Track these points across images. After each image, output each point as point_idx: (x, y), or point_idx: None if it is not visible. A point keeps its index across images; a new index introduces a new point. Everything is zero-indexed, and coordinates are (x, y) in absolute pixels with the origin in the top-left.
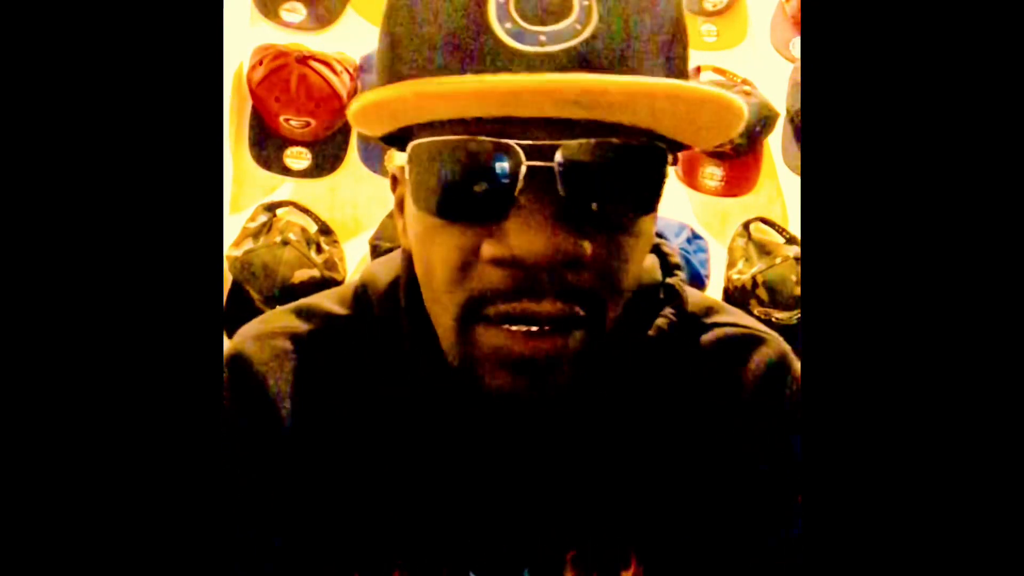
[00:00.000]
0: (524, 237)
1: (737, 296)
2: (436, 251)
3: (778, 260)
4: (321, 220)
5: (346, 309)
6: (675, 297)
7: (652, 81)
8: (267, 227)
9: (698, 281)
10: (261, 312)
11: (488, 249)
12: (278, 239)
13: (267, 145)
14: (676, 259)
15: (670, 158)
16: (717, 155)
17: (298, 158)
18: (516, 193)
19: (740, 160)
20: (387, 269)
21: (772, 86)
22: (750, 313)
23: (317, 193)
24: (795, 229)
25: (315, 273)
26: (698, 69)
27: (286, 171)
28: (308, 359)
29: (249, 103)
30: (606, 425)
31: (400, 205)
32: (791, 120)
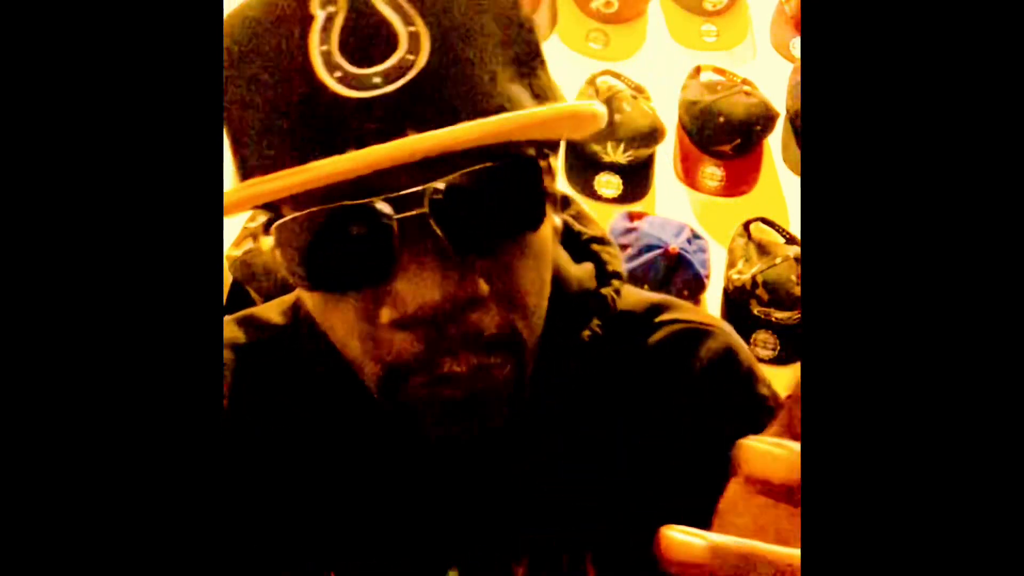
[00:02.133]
0: (415, 291)
1: (737, 296)
2: (337, 326)
3: (778, 260)
4: None
5: (284, 319)
6: (603, 308)
7: (493, 120)
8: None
9: (698, 281)
10: None
11: (386, 313)
12: None
13: None
14: (615, 266)
15: (544, 163)
16: (717, 155)
17: None
18: (395, 249)
19: (740, 160)
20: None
21: (772, 86)
22: (750, 313)
23: None
24: (795, 229)
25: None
26: (698, 69)
27: None
28: (246, 370)
29: None
30: (549, 438)
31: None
32: (791, 120)
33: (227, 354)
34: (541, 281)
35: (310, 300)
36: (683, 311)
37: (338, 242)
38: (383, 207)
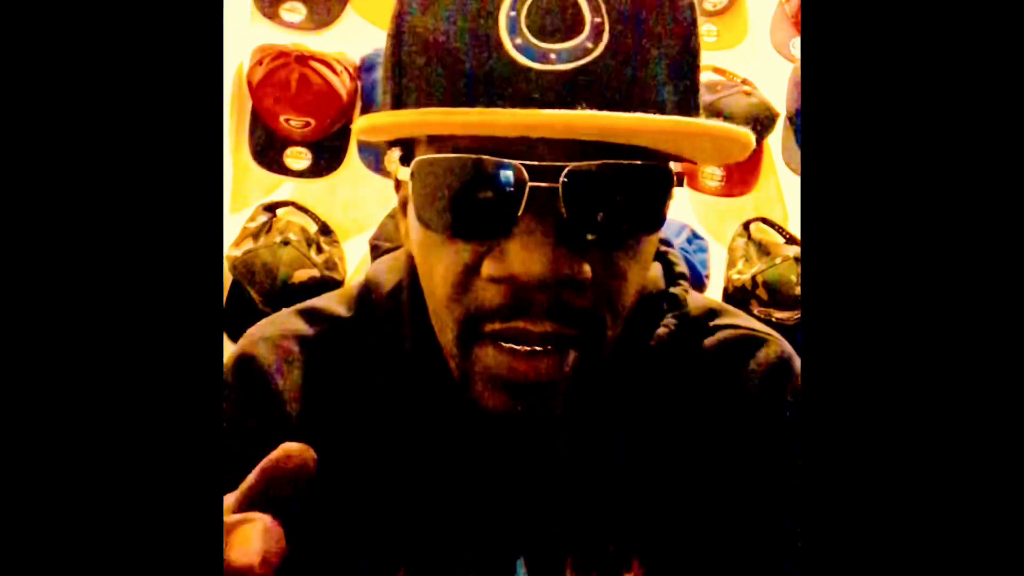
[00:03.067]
0: (524, 257)
1: (737, 296)
2: (437, 266)
3: (778, 260)
4: (321, 220)
5: (350, 311)
6: (677, 306)
7: (655, 118)
8: (267, 227)
9: (698, 281)
10: (261, 312)
11: (488, 267)
12: (278, 239)
13: (267, 145)
14: (681, 267)
15: (676, 178)
16: None
17: (298, 158)
18: (519, 213)
19: (740, 160)
20: (391, 271)
21: (772, 86)
22: (750, 313)
23: (317, 193)
24: (795, 229)
25: (315, 273)
26: None
27: (286, 171)
28: (315, 361)
29: (249, 103)
30: (608, 433)
31: (404, 207)
32: (791, 120)
33: (293, 345)
34: (640, 284)
35: (420, 235)
36: (738, 317)
37: (470, 190)
38: (521, 170)
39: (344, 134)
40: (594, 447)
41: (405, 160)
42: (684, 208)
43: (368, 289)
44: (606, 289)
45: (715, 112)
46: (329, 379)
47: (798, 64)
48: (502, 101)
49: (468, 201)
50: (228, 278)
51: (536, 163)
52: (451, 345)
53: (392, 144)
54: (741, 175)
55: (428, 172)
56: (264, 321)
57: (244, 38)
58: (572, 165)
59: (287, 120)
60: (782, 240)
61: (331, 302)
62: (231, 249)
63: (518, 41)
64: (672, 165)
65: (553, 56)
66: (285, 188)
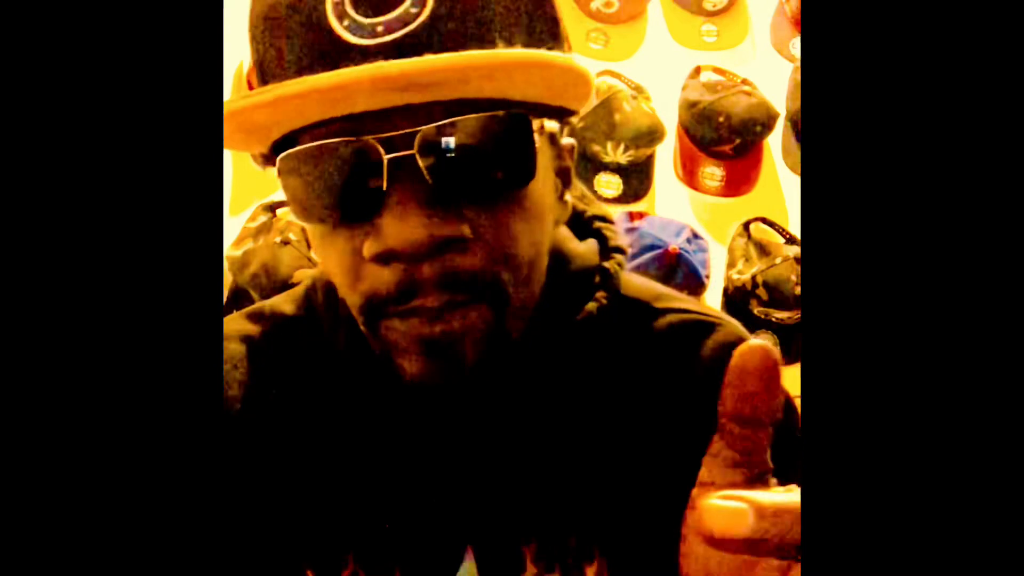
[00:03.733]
0: (397, 228)
1: (737, 296)
2: (328, 256)
3: (778, 260)
4: None
5: (296, 309)
6: (608, 279)
7: (467, 54)
8: (267, 227)
9: (698, 281)
10: None
11: (367, 247)
12: (278, 239)
13: None
14: (617, 241)
15: (536, 123)
16: (717, 155)
17: None
18: (383, 187)
19: (740, 160)
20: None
21: (772, 86)
22: (750, 313)
23: None
24: (795, 229)
25: (315, 273)
26: (698, 69)
27: None
28: (259, 361)
29: None
30: (543, 410)
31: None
32: (791, 120)
33: (238, 347)
34: (532, 239)
35: (309, 232)
36: (685, 301)
37: (332, 176)
38: (375, 145)
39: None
40: (530, 420)
41: (270, 159)
42: (684, 208)
43: (314, 285)
44: (494, 245)
45: (715, 112)
46: (270, 376)
47: (798, 64)
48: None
49: (332, 186)
50: (228, 278)
51: (391, 134)
52: (364, 328)
53: (268, 162)
54: (741, 175)
55: (290, 167)
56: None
57: (244, 38)
58: (423, 128)
59: None
60: (782, 240)
61: (280, 301)
62: (231, 249)
63: (346, 23)
64: (548, 124)
65: (380, 28)
66: None
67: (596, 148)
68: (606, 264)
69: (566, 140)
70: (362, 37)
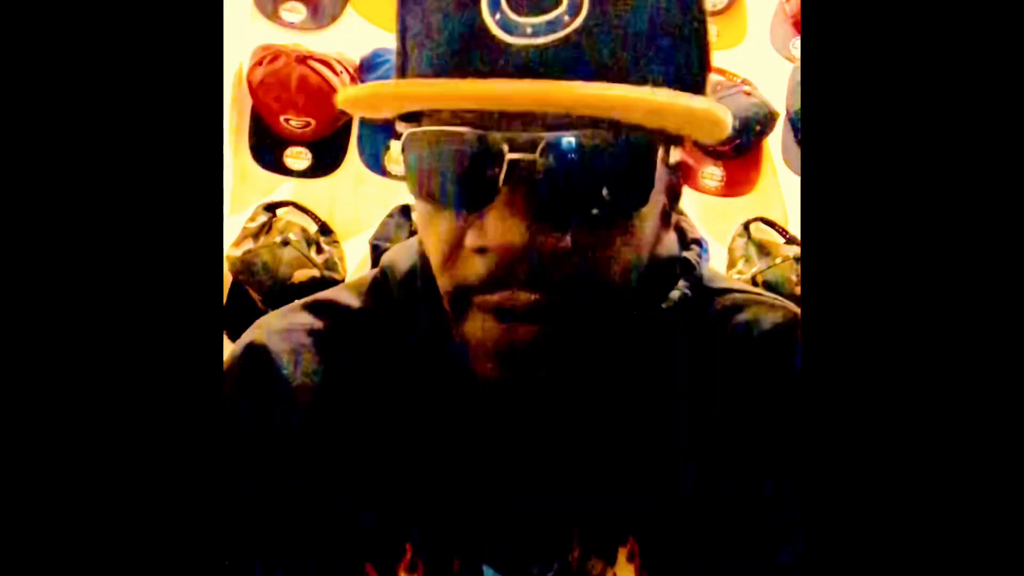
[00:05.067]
0: (502, 228)
1: None
2: (430, 237)
3: (778, 260)
4: (321, 220)
5: (361, 301)
6: (690, 270)
7: (620, 93)
8: (267, 227)
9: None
10: (261, 312)
11: (470, 238)
12: (278, 239)
13: (267, 145)
14: (694, 234)
15: (661, 150)
16: (717, 155)
17: (298, 158)
18: (499, 184)
19: (740, 160)
20: (406, 255)
21: (772, 86)
22: None
23: (317, 193)
24: (795, 229)
25: (315, 273)
26: None
27: (286, 171)
28: (326, 353)
29: (249, 103)
30: (610, 398)
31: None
32: (791, 120)
33: (305, 338)
34: (632, 262)
35: (418, 209)
36: (748, 287)
37: (453, 160)
38: (500, 142)
39: (344, 134)
40: (598, 414)
41: (399, 136)
42: (684, 208)
43: (384, 274)
44: (593, 261)
45: None
46: (341, 369)
47: (798, 64)
48: (478, 74)
49: (451, 171)
50: (228, 278)
51: (517, 135)
52: (450, 313)
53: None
54: (741, 175)
55: (415, 144)
56: (271, 314)
57: (244, 38)
58: (549, 135)
59: (287, 120)
60: (782, 240)
61: (340, 294)
62: (231, 249)
63: (498, 17)
64: (673, 152)
65: (530, 30)
66: (285, 188)
67: None
68: (687, 255)
69: (673, 156)
70: (511, 35)
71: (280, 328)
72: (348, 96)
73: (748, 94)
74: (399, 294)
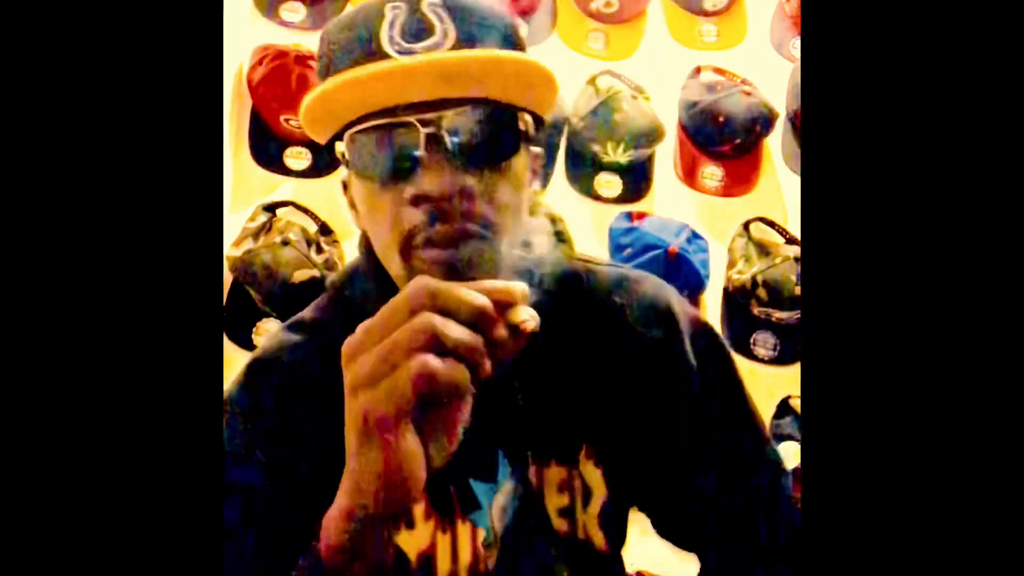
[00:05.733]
0: (429, 178)
1: (737, 296)
2: (377, 209)
3: (778, 260)
4: (321, 220)
5: (320, 313)
6: (559, 235)
7: (475, 52)
8: (267, 227)
9: (698, 281)
10: (261, 312)
11: (407, 191)
12: (278, 239)
13: (267, 145)
14: (560, 226)
15: (522, 117)
16: (717, 155)
17: (298, 158)
18: (420, 152)
19: (740, 160)
20: (343, 269)
21: (772, 86)
22: (750, 313)
23: (317, 193)
24: (795, 229)
25: (315, 273)
26: (698, 69)
27: (286, 171)
28: (309, 359)
29: (249, 103)
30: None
31: (351, 203)
32: (791, 120)
33: (289, 352)
34: (514, 201)
35: (362, 195)
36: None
37: (386, 145)
38: (416, 123)
39: (327, 148)
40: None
41: (330, 146)
42: (684, 208)
43: (332, 284)
44: (491, 198)
45: (715, 112)
46: (322, 368)
47: (798, 64)
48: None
49: (386, 152)
50: (228, 278)
51: (426, 117)
52: (398, 264)
53: (330, 149)
54: (741, 175)
55: (355, 141)
56: (264, 339)
57: (244, 38)
58: (446, 113)
59: (287, 120)
60: (782, 240)
61: (308, 311)
62: (231, 249)
63: (395, 48)
64: (524, 118)
65: (418, 50)
66: (285, 188)
67: (596, 148)
68: (558, 228)
69: (534, 148)
70: (406, 56)
71: (273, 346)
72: (305, 106)
73: (748, 94)
74: (348, 292)
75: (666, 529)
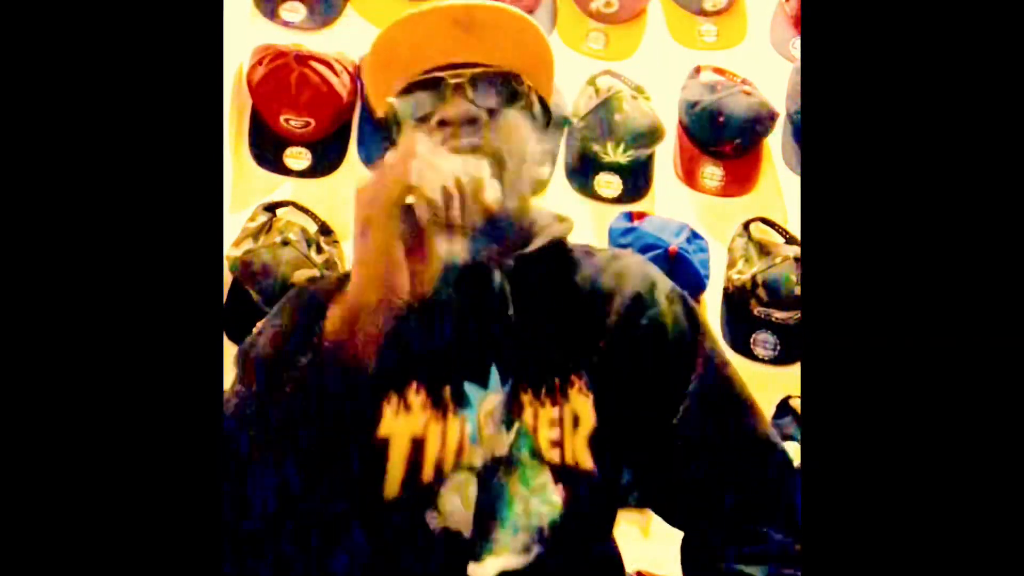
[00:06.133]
0: (451, 110)
1: (737, 296)
2: (410, 139)
3: (778, 260)
4: (321, 220)
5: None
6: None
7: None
8: (267, 227)
9: (698, 281)
10: (261, 312)
11: (437, 115)
12: (278, 239)
13: (267, 145)
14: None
15: (521, 79)
16: (717, 155)
17: (298, 158)
18: (449, 93)
19: (740, 160)
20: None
21: (772, 86)
22: (750, 313)
23: (317, 193)
24: (795, 229)
25: (315, 273)
26: (698, 69)
27: (286, 171)
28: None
29: (249, 103)
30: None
31: (393, 143)
32: (791, 120)
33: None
34: (518, 146)
35: (405, 131)
36: (601, 248)
37: (424, 91)
38: (445, 76)
39: (344, 134)
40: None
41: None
42: (684, 208)
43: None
44: (495, 129)
45: (715, 112)
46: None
47: (798, 64)
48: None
49: (425, 96)
50: (228, 278)
51: (456, 72)
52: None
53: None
54: (741, 175)
55: (405, 94)
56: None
57: (244, 38)
58: (468, 71)
59: (287, 120)
60: (782, 240)
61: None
62: (231, 249)
63: None
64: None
65: None
66: (285, 188)
67: (596, 148)
68: (561, 225)
69: (552, 132)
70: None
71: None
72: (366, 60)
73: (748, 94)
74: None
75: (651, 493)
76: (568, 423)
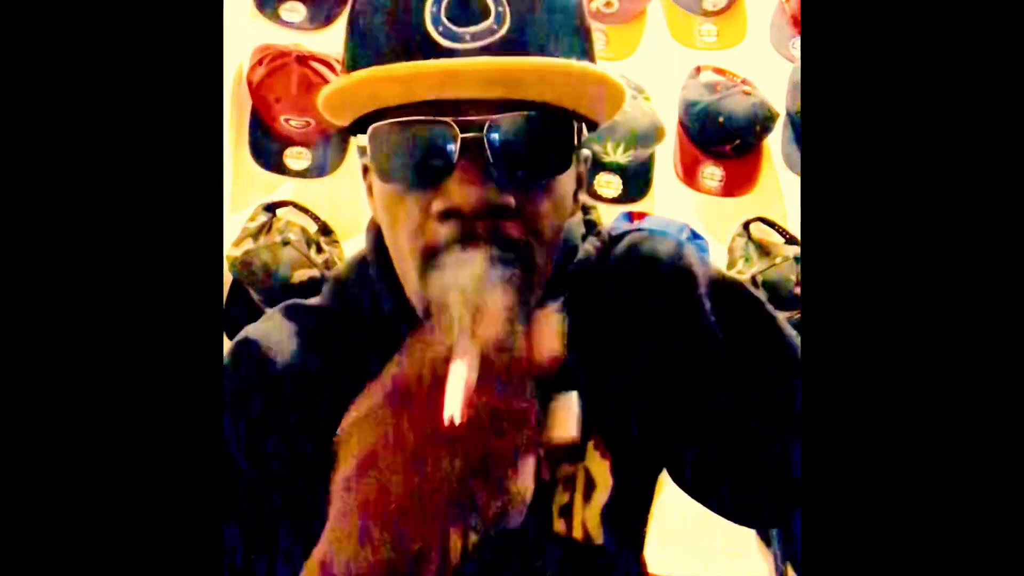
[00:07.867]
0: (462, 192)
1: None
2: (399, 215)
3: (778, 260)
4: (321, 220)
5: (324, 300)
6: (593, 228)
7: (543, 60)
8: (267, 227)
9: None
10: (261, 312)
11: (436, 204)
12: (278, 239)
13: (267, 145)
14: (592, 216)
15: (577, 126)
16: (717, 155)
17: (298, 158)
18: (455, 160)
19: (740, 160)
20: (350, 258)
21: (772, 86)
22: None
23: (317, 193)
24: (795, 229)
25: (315, 273)
26: (698, 69)
27: (286, 171)
28: (304, 343)
29: (249, 103)
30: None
31: (369, 188)
32: (791, 120)
33: (285, 335)
34: (556, 221)
35: (382, 196)
36: (642, 227)
37: (416, 145)
38: (452, 125)
39: (345, 134)
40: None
41: (364, 133)
42: (684, 208)
43: (336, 278)
44: (530, 219)
45: (715, 112)
46: (318, 353)
47: (798, 64)
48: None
49: (415, 154)
50: (228, 278)
51: (465, 119)
52: (414, 281)
53: (353, 132)
54: (741, 175)
55: (381, 136)
56: (258, 323)
57: (244, 38)
58: (492, 117)
59: (287, 120)
60: (782, 240)
61: (310, 300)
62: (231, 249)
63: (440, 29)
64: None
65: (468, 37)
66: (285, 188)
67: (596, 148)
68: (588, 217)
69: (583, 151)
70: (452, 41)
71: (264, 328)
72: (325, 95)
73: (748, 94)
74: (351, 284)
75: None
76: (580, 491)
